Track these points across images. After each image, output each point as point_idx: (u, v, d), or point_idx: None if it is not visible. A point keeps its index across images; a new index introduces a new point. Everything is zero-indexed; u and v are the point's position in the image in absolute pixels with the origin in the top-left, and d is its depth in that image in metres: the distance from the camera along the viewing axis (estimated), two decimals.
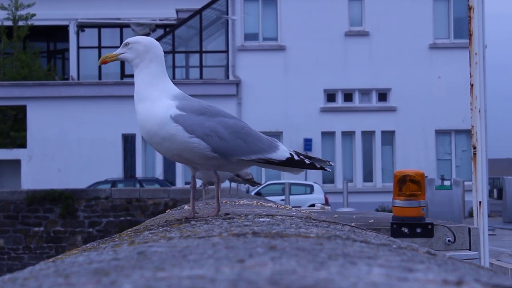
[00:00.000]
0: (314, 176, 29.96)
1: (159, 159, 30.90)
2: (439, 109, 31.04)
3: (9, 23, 34.79)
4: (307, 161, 3.56)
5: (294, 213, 4.16)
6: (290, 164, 3.54)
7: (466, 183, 24.66)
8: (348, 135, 31.58)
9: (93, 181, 28.45)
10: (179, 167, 30.66)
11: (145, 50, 3.56)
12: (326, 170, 3.62)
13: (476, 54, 8.96)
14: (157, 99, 3.44)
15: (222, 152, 3.41)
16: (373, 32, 31.57)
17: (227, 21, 31.97)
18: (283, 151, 3.54)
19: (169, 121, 3.37)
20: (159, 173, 30.80)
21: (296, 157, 3.54)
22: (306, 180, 28.85)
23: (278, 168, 3.64)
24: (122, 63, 35.05)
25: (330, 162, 3.68)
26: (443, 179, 24.46)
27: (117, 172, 30.59)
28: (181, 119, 3.37)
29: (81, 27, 36.33)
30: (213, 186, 7.60)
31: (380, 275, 1.31)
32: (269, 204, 5.85)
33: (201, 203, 6.79)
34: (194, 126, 3.36)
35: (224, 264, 1.43)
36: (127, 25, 36.14)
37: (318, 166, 3.58)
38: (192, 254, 1.66)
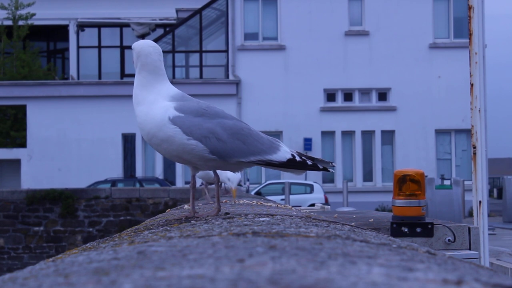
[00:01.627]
0: (314, 176, 29.94)
1: (159, 159, 30.90)
2: (439, 108, 31.05)
3: (9, 22, 34.81)
4: (309, 162, 3.51)
5: (294, 213, 4.16)
6: (292, 165, 3.49)
7: (466, 182, 24.67)
8: (348, 134, 31.58)
9: (93, 180, 28.45)
10: (179, 166, 30.66)
11: (136, 57, 3.58)
12: (328, 171, 3.57)
13: (476, 53, 8.96)
14: (154, 101, 3.43)
15: (220, 153, 3.39)
16: (373, 32, 31.58)
17: (227, 20, 31.97)
18: (284, 152, 3.49)
19: (167, 123, 3.36)
20: (159, 172, 30.81)
21: (298, 158, 3.49)
22: (306, 179, 28.86)
23: (279, 169, 3.61)
24: (122, 62, 35.08)
25: (333, 163, 3.63)
26: (443, 178, 24.45)
27: (117, 171, 30.59)
28: (179, 120, 3.35)
29: (81, 26, 36.34)
30: (214, 186, 7.60)
31: (380, 275, 1.31)
32: (269, 204, 5.85)
33: (201, 202, 6.79)
34: (192, 127, 3.35)
35: (224, 264, 1.43)
36: (127, 25, 36.15)
37: (321, 167, 3.53)
38: (192, 253, 1.66)
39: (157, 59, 3.57)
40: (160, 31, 35.34)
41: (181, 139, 3.36)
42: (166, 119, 3.37)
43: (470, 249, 6.62)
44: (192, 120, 3.36)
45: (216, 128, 3.38)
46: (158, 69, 3.55)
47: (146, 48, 3.58)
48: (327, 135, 31.42)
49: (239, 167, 3.58)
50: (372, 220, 7.26)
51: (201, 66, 32.66)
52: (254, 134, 3.48)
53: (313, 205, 19.67)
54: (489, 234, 9.18)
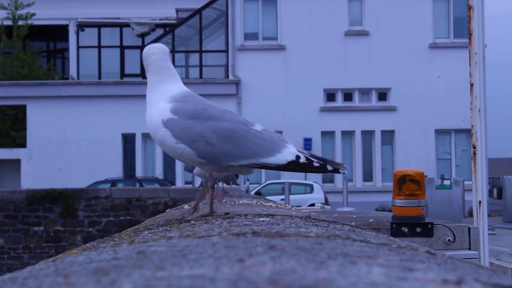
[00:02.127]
0: (314, 176, 29.94)
1: (159, 159, 30.91)
2: (439, 108, 31.05)
3: (9, 22, 34.82)
4: (315, 164, 3.33)
5: (294, 213, 4.15)
6: (293, 168, 3.33)
7: (466, 182, 24.66)
8: (348, 134, 31.58)
9: (93, 180, 28.45)
10: (179, 166, 30.65)
11: (144, 60, 3.60)
12: (339, 173, 3.38)
13: (476, 53, 8.95)
14: (156, 103, 3.43)
15: (209, 157, 3.32)
16: (373, 32, 31.58)
17: (227, 20, 31.97)
18: (286, 154, 3.34)
19: (160, 126, 3.35)
20: (158, 172, 30.81)
21: (303, 160, 3.33)
22: (306, 179, 28.87)
23: (285, 170, 3.46)
24: (122, 62, 35.07)
25: (345, 165, 3.41)
26: (443, 178, 24.43)
27: (117, 171, 30.60)
28: (171, 124, 3.33)
29: (81, 26, 36.33)
30: (230, 185, 7.60)
31: (380, 275, 1.31)
32: (269, 204, 5.85)
33: (201, 202, 6.78)
34: (182, 131, 3.31)
35: (224, 264, 1.43)
36: (127, 25, 36.15)
37: (330, 169, 3.35)
38: (192, 253, 1.66)
39: (157, 59, 3.54)
40: (160, 31, 35.33)
41: (171, 143, 3.34)
42: (160, 122, 3.35)
43: (470, 249, 6.63)
44: (183, 123, 3.32)
45: (206, 131, 3.30)
46: (161, 68, 3.52)
47: (148, 50, 3.59)
48: (327, 135, 31.42)
49: (235, 170, 3.49)
50: (372, 220, 7.26)
51: (201, 66, 32.66)
52: (250, 136, 3.33)
53: (313, 205, 19.68)
54: (489, 234, 9.18)
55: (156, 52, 3.57)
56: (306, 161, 3.34)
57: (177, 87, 3.51)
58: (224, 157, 3.31)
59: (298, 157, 3.35)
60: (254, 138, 3.34)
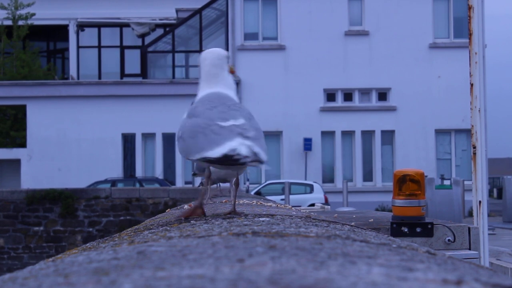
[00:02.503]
0: (314, 176, 29.97)
1: (158, 159, 30.90)
2: (439, 108, 31.05)
3: (9, 22, 34.83)
4: (236, 157, 3.16)
5: (294, 213, 4.15)
6: (227, 161, 3.18)
7: (466, 182, 24.66)
8: (348, 134, 31.58)
9: (93, 180, 28.45)
10: (179, 166, 30.66)
11: (199, 63, 3.67)
12: (256, 166, 3.20)
13: (476, 53, 8.95)
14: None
15: (183, 153, 3.42)
16: (373, 32, 31.57)
17: (227, 20, 31.97)
18: (226, 148, 3.17)
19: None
20: (158, 172, 30.80)
21: (232, 152, 3.14)
22: (306, 179, 28.86)
23: (225, 166, 3.36)
24: (122, 62, 35.04)
25: (262, 160, 3.19)
26: (443, 178, 24.43)
27: (117, 171, 30.59)
28: (180, 124, 3.50)
29: (81, 26, 36.34)
30: (225, 184, 7.61)
31: (380, 275, 1.31)
32: (269, 204, 5.85)
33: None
34: (178, 130, 3.49)
35: (224, 264, 1.43)
36: (127, 25, 36.16)
37: (247, 160, 3.14)
38: (192, 253, 1.66)
39: (208, 64, 3.60)
40: (160, 31, 35.34)
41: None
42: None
43: (470, 249, 6.63)
44: (182, 122, 3.48)
45: (183, 128, 3.41)
46: (207, 75, 3.61)
47: (203, 55, 3.66)
48: (327, 135, 31.41)
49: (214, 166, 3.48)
50: (372, 220, 7.26)
51: None
52: (207, 131, 3.26)
53: (313, 205, 19.68)
54: (489, 234, 9.18)
55: (209, 57, 3.62)
56: (232, 154, 3.16)
57: (207, 90, 3.57)
58: (188, 151, 3.37)
59: (232, 150, 3.17)
60: (209, 133, 3.26)
